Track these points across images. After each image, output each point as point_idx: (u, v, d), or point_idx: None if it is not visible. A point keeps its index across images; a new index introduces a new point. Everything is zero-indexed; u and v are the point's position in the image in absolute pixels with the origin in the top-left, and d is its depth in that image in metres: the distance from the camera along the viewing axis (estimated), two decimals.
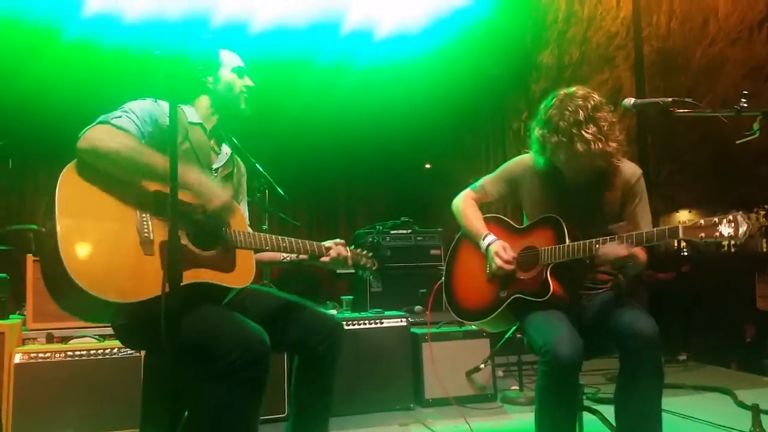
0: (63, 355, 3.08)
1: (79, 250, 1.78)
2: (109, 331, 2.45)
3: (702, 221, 2.00)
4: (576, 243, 2.25)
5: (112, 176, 1.91)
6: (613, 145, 2.27)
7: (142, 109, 2.04)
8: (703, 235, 1.99)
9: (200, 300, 1.94)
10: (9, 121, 4.32)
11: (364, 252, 2.46)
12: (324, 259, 2.28)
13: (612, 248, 2.15)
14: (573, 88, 2.37)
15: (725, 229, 1.95)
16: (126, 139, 1.93)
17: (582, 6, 6.49)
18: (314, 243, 2.27)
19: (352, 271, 2.48)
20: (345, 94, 5.76)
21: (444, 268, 2.74)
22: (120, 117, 1.98)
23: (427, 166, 7.06)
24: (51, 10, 4.94)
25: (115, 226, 1.87)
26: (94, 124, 1.95)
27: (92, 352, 3.12)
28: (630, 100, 2.25)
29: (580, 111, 2.27)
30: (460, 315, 2.59)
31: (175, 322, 1.76)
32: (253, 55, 5.05)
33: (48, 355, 3.06)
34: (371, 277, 2.56)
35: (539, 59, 6.44)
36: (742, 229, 1.93)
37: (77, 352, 3.10)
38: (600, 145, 2.25)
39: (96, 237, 1.82)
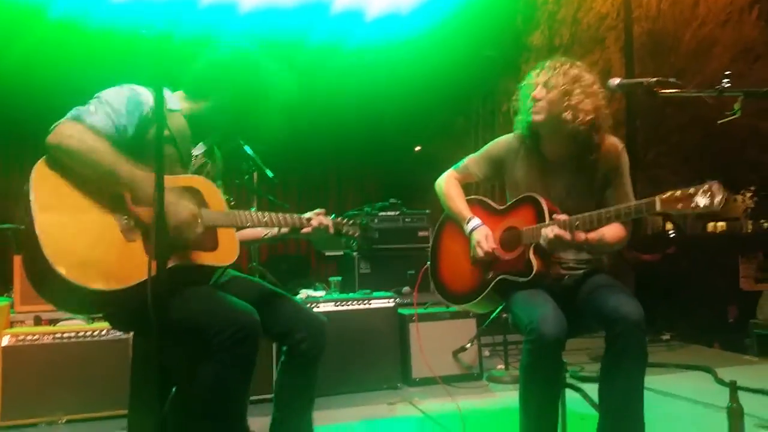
0: (51, 337, 3.09)
1: (60, 243, 1.77)
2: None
3: (678, 192, 2.00)
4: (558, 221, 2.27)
5: (82, 174, 1.89)
6: (588, 106, 2.28)
7: (118, 99, 2.00)
8: (680, 206, 2.01)
9: (188, 281, 1.95)
10: None
11: (346, 220, 2.42)
12: (305, 230, 2.25)
13: (545, 230, 2.21)
14: (567, 58, 2.39)
15: (701, 200, 1.97)
16: (93, 141, 1.88)
17: None
18: (294, 215, 2.26)
19: (341, 252, 2.49)
20: (335, 76, 5.73)
21: (430, 249, 2.75)
22: (94, 113, 1.94)
23: (417, 148, 7.05)
24: None
25: (95, 217, 1.87)
26: (66, 117, 1.92)
27: (80, 334, 3.13)
28: (615, 80, 2.26)
29: (570, 64, 2.32)
30: (447, 298, 2.62)
31: (164, 304, 1.76)
32: (242, 36, 5.02)
33: (36, 337, 3.07)
34: (355, 245, 2.55)
35: (530, 40, 6.41)
36: (718, 198, 1.94)
37: (65, 334, 3.11)
38: (571, 88, 2.28)
39: (76, 228, 1.82)
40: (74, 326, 3.18)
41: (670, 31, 6.56)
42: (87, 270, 1.78)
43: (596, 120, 2.31)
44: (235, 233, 2.13)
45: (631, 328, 2.13)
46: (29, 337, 3.06)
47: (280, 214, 2.23)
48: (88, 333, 3.15)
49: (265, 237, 2.36)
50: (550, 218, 2.29)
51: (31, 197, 1.79)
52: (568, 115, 2.30)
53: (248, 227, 2.20)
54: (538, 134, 2.45)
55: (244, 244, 2.47)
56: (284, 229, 2.28)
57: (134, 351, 2.24)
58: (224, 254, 2.06)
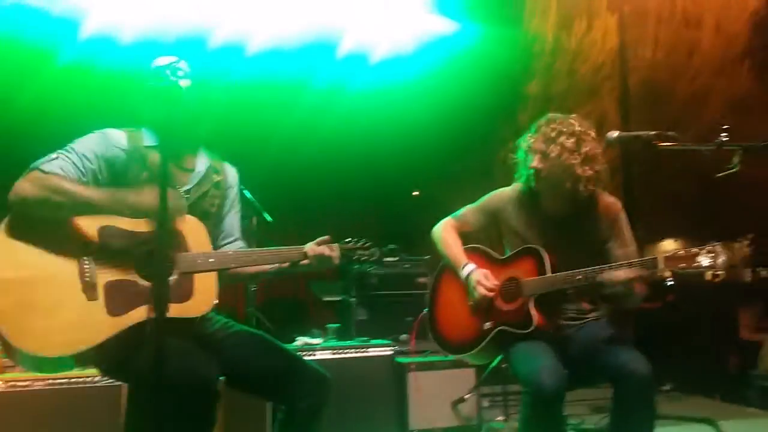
0: (43, 383, 3.03)
1: (18, 319, 1.80)
2: None
3: (682, 251, 2.04)
4: (559, 274, 2.28)
5: (48, 224, 1.89)
6: (589, 171, 2.32)
7: (85, 145, 2.00)
8: (683, 265, 2.03)
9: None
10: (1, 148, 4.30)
11: (359, 244, 2.24)
12: (304, 262, 2.13)
13: (617, 272, 2.16)
14: (562, 117, 2.42)
15: (705, 260, 2.00)
16: (55, 182, 1.89)
17: (569, 37, 6.60)
18: (291, 248, 2.14)
19: (339, 297, 2.45)
20: (338, 118, 5.80)
21: (428, 298, 2.73)
22: (54, 159, 1.95)
23: (416, 193, 7.08)
24: (47, 32, 4.95)
25: (55, 278, 1.86)
26: (25, 172, 1.92)
27: (73, 380, 3.07)
28: (614, 133, 2.31)
29: (567, 125, 2.36)
30: (444, 348, 2.60)
31: (131, 362, 1.84)
32: (250, 77, 5.12)
33: (28, 383, 3.01)
34: (371, 269, 2.44)
35: (526, 90, 6.52)
36: (721, 259, 1.98)
37: (58, 380, 3.05)
38: (572, 160, 2.31)
39: (34, 298, 1.83)
40: (66, 372, 3.12)
41: (665, 81, 6.69)
42: (45, 339, 1.80)
43: (596, 185, 2.35)
44: (214, 279, 2.02)
45: (641, 384, 2.13)
46: (21, 383, 3.01)
47: (272, 249, 2.14)
48: (80, 379, 3.09)
49: (269, 272, 2.25)
50: (552, 271, 2.30)
51: None
52: (568, 184, 2.34)
53: (234, 268, 2.11)
54: (537, 193, 2.47)
55: (247, 280, 2.41)
56: (282, 264, 2.18)
57: (128, 402, 2.20)
58: (198, 304, 1.97)
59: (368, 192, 6.29)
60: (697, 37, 6.80)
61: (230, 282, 2.24)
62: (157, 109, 2.01)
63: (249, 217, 3.88)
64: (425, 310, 2.71)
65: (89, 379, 3.10)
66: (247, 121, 5.22)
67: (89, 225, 1.94)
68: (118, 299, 1.90)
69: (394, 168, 6.22)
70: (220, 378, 2.05)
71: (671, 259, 2.07)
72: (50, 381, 3.06)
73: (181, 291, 1.95)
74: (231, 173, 2.36)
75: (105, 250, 1.92)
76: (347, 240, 2.23)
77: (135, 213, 1.94)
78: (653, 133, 2.21)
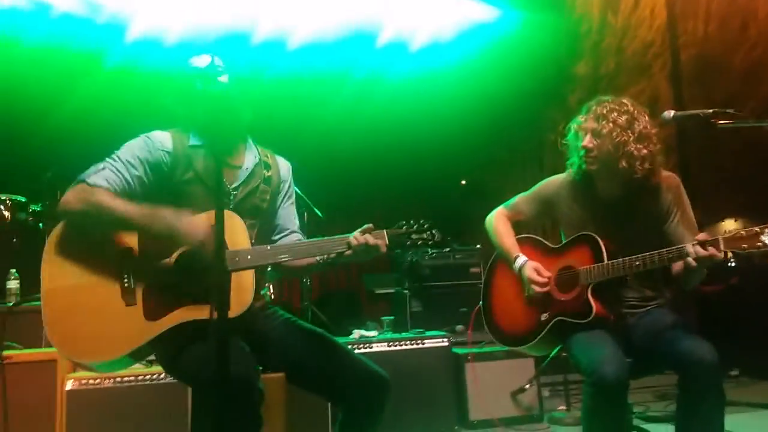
0: (112, 381, 3.13)
1: (62, 325, 1.92)
2: None
3: (743, 231, 1.97)
4: (616, 261, 2.22)
5: (91, 233, 1.96)
6: (643, 151, 2.25)
7: (128, 152, 2.04)
8: (745, 245, 1.97)
9: (197, 337, 1.90)
10: (54, 151, 4.45)
11: (414, 227, 2.06)
12: (348, 252, 2.01)
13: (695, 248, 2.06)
14: (613, 98, 2.36)
15: None
16: (97, 198, 1.94)
17: (616, 16, 6.43)
18: (335, 239, 2.03)
19: (392, 290, 2.40)
20: (380, 108, 5.80)
21: (482, 290, 2.69)
22: (101, 170, 2.00)
23: (463, 181, 7.03)
24: (94, 38, 5.11)
25: (97, 285, 1.94)
26: (73, 183, 1.99)
27: (140, 377, 3.17)
28: (670, 113, 2.23)
29: (618, 104, 2.29)
30: (501, 340, 2.57)
31: (167, 364, 1.95)
32: (292, 71, 5.15)
33: (98, 381, 3.11)
34: (430, 251, 2.29)
35: (574, 70, 6.39)
36: None
37: (126, 378, 3.15)
38: (624, 137, 2.24)
39: (77, 303, 1.93)
40: (134, 370, 3.22)
41: (718, 55, 6.43)
42: (85, 347, 1.93)
43: (652, 164, 2.27)
44: (250, 274, 1.98)
45: (708, 372, 2.06)
46: (91, 381, 3.11)
47: (314, 240, 2.09)
48: (147, 377, 3.18)
49: (317, 264, 2.18)
50: (609, 257, 2.24)
51: (41, 274, 1.94)
52: (623, 163, 2.28)
53: (272, 264, 2.07)
54: (591, 177, 2.41)
55: (298, 272, 2.41)
56: (325, 256, 2.10)
57: (192, 396, 2.26)
58: (235, 303, 1.92)
59: (416, 182, 6.28)
60: (752, 7, 6.51)
61: (282, 276, 2.23)
62: (199, 109, 2.05)
63: (300, 214, 3.92)
64: (480, 303, 2.67)
65: (157, 375, 3.18)
66: (291, 116, 5.28)
67: (127, 237, 2.00)
68: (155, 304, 1.95)
69: (441, 156, 6.19)
70: (280, 374, 2.08)
71: (732, 239, 1.99)
72: (119, 379, 3.15)
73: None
74: (284, 167, 2.35)
75: (144, 256, 1.97)
76: (401, 224, 2.08)
77: (169, 234, 1.94)
78: (710, 111, 2.13)
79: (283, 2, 5.45)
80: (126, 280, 1.95)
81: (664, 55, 6.30)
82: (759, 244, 1.94)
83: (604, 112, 2.30)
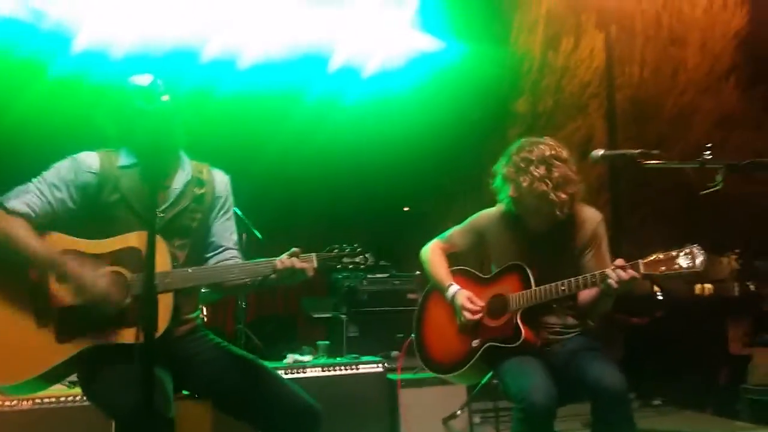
0: (31, 402, 2.99)
1: None
2: None
3: (661, 255, 2.09)
4: (543, 287, 2.32)
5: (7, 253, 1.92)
6: (562, 196, 2.35)
7: (55, 174, 2.03)
8: (663, 268, 2.08)
9: (115, 360, 1.88)
10: None
11: (346, 250, 2.08)
12: (272, 276, 2.02)
13: (615, 273, 2.16)
14: (543, 138, 2.46)
15: (684, 261, 2.05)
16: (10, 227, 1.92)
17: (556, 55, 6.68)
18: (260, 262, 2.03)
19: (329, 315, 2.40)
20: (330, 131, 5.83)
21: (414, 322, 2.73)
22: (25, 193, 1.98)
23: (406, 208, 7.11)
24: (40, 47, 4.96)
25: (8, 304, 1.90)
26: None
27: (61, 399, 3.03)
28: (599, 152, 2.35)
29: (536, 152, 2.38)
30: (433, 369, 2.61)
31: (85, 386, 1.93)
32: (242, 90, 5.10)
33: (15, 402, 2.97)
34: (362, 274, 2.29)
35: (515, 106, 6.59)
36: (699, 259, 2.04)
37: (45, 399, 3.01)
38: (543, 188, 2.33)
39: None
40: (55, 391, 3.08)
41: (652, 98, 6.78)
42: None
43: (572, 203, 2.38)
44: (169, 298, 1.95)
45: (615, 400, 2.15)
46: (8, 403, 2.96)
47: (240, 263, 2.10)
48: (69, 398, 3.05)
49: (247, 284, 2.16)
50: (536, 285, 2.32)
51: None
52: (545, 209, 2.39)
53: (194, 286, 2.06)
54: (519, 212, 2.51)
55: (228, 292, 2.36)
56: (246, 279, 2.08)
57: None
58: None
59: (359, 207, 6.32)
60: (683, 56, 6.92)
61: (216, 298, 2.18)
62: (136, 127, 2.01)
63: (239, 234, 3.88)
64: (413, 335, 2.70)
65: (80, 397, 3.05)
66: (237, 136, 5.24)
67: (50, 250, 1.95)
68: (69, 325, 1.91)
69: (385, 183, 6.25)
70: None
71: (651, 263, 2.11)
72: (38, 400, 3.01)
73: (136, 314, 1.91)
74: (220, 181, 2.28)
75: (62, 275, 1.92)
76: (333, 247, 2.10)
77: (72, 283, 1.91)
78: (638, 151, 2.25)
79: (234, 21, 5.43)
80: (40, 301, 1.91)
81: (600, 95, 6.59)
82: (676, 266, 2.06)
83: (523, 165, 2.39)
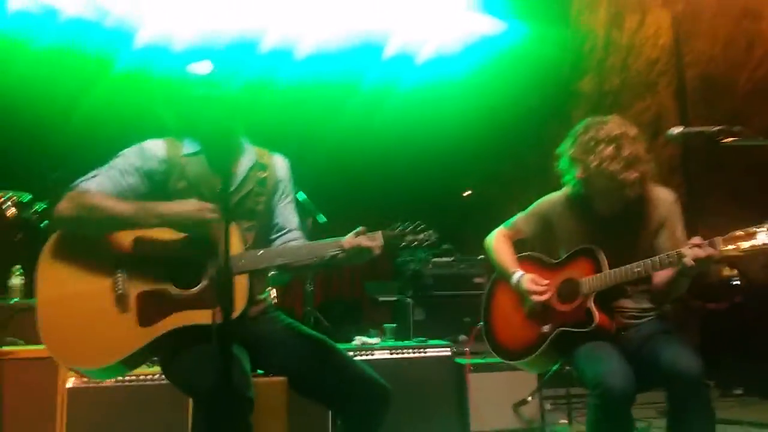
0: (114, 380, 3.11)
1: (55, 333, 1.94)
2: None
3: (740, 231, 1.98)
4: (617, 269, 2.24)
5: (87, 241, 1.98)
6: (633, 175, 2.26)
7: (124, 160, 2.06)
8: (742, 245, 1.98)
9: (194, 341, 1.91)
10: (63, 152, 4.46)
11: (409, 228, 2.05)
12: (341, 255, 2.01)
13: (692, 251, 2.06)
14: (610, 116, 2.37)
15: (765, 237, 1.94)
16: (89, 200, 1.96)
17: (621, 33, 6.47)
18: (328, 242, 2.02)
19: (395, 297, 2.38)
20: (387, 119, 5.84)
21: (482, 310, 2.69)
22: (93, 177, 2.02)
23: (466, 193, 7.05)
24: (105, 44, 5.13)
25: (91, 292, 1.96)
26: (66, 191, 2.00)
27: (142, 377, 3.14)
28: (676, 129, 2.25)
29: (604, 131, 2.29)
30: (503, 356, 2.57)
31: (165, 367, 1.99)
32: (299, 80, 5.16)
33: (97, 380, 3.09)
34: (426, 256, 2.28)
35: (579, 86, 6.42)
36: None
37: (128, 377, 3.13)
38: (613, 167, 2.24)
39: (71, 310, 1.95)
40: (138, 369, 3.19)
41: (723, 74, 6.48)
42: (78, 353, 1.95)
43: (643, 182, 2.29)
44: (244, 279, 1.97)
45: (690, 385, 2.06)
46: (93, 380, 3.09)
47: (307, 243, 2.12)
48: (149, 376, 3.15)
49: (312, 265, 2.15)
50: (608, 268, 2.26)
51: (35, 282, 1.97)
52: (615, 189, 2.30)
53: (266, 267, 2.07)
54: (587, 195, 2.43)
55: (294, 272, 2.38)
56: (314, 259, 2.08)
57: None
58: None
59: (420, 192, 6.30)
60: (757, 29, 6.57)
61: (286, 280, 2.18)
62: (198, 115, 2.04)
63: (304, 219, 3.92)
64: (481, 323, 2.66)
65: (159, 375, 3.15)
66: (298, 124, 5.30)
67: (125, 238, 2.00)
68: (149, 310, 1.96)
69: (446, 168, 6.21)
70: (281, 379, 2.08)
71: (730, 239, 2.01)
72: (119, 378, 3.12)
73: (208, 298, 1.95)
74: (281, 165, 2.31)
75: (138, 261, 1.97)
76: (395, 225, 2.07)
77: (163, 222, 1.97)
78: (716, 128, 2.15)
79: (291, 12, 5.48)
80: (119, 288, 1.95)
81: (668, 73, 6.35)
82: (756, 242, 1.96)
83: (591, 144, 2.30)
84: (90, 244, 1.99)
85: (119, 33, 5.20)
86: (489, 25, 6.09)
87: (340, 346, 2.21)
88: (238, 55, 5.27)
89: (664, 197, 2.38)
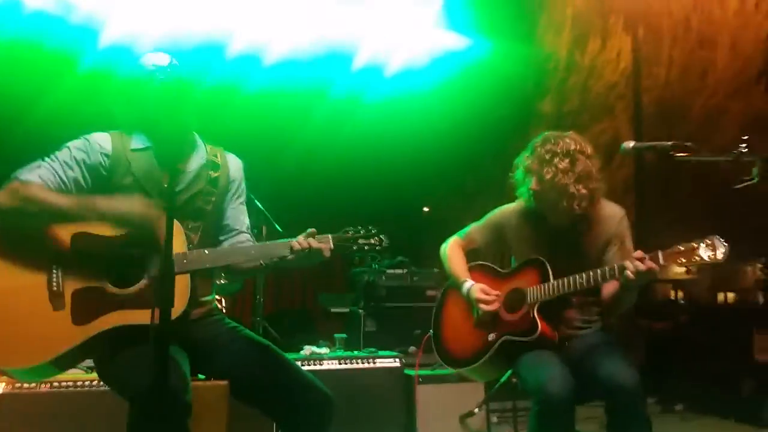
0: (48, 386, 3.00)
1: None
2: None
3: (681, 246, 2.03)
4: (561, 279, 2.28)
5: (24, 234, 1.90)
6: (582, 190, 2.31)
7: (67, 152, 2.00)
8: (683, 259, 2.03)
9: (131, 342, 1.86)
10: (23, 151, 4.33)
11: (362, 232, 2.07)
12: (290, 257, 2.00)
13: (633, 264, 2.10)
14: (557, 135, 2.43)
15: (705, 252, 1.99)
16: (28, 192, 1.90)
17: (583, 55, 6.61)
18: (277, 242, 2.02)
19: (346, 309, 2.38)
20: (353, 129, 5.83)
21: (433, 318, 2.72)
22: (36, 168, 1.95)
23: (426, 209, 7.08)
24: (68, 40, 5.00)
25: (25, 288, 1.88)
26: (6, 182, 1.94)
27: (79, 383, 3.04)
28: (630, 143, 2.30)
29: (561, 145, 2.36)
30: (450, 363, 2.60)
31: (100, 368, 1.92)
32: (267, 86, 5.12)
33: (33, 385, 2.99)
34: (376, 257, 2.29)
35: (540, 106, 6.53)
36: (720, 250, 1.97)
37: (63, 383, 3.02)
38: (565, 180, 2.29)
39: (2, 306, 1.85)
40: (72, 375, 3.09)
41: (679, 100, 6.67)
42: (10, 352, 1.84)
43: (592, 199, 2.35)
44: (186, 280, 1.92)
45: (628, 397, 2.09)
46: (26, 385, 2.98)
47: (256, 244, 2.09)
48: (86, 383, 3.06)
49: (262, 266, 2.14)
50: (554, 278, 2.29)
51: None
52: (564, 203, 2.36)
53: (210, 267, 2.02)
54: (539, 206, 2.48)
55: (241, 275, 2.34)
56: (262, 261, 2.07)
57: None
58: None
59: (380, 204, 6.30)
60: (712, 57, 6.79)
61: (230, 285, 2.14)
62: (149, 108, 1.99)
63: (259, 226, 3.88)
64: (431, 331, 2.69)
65: (96, 382, 3.06)
66: (262, 131, 5.25)
67: (63, 233, 1.93)
68: (84, 308, 1.89)
69: (407, 181, 6.23)
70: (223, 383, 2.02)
71: (671, 254, 2.05)
72: (56, 384, 3.02)
73: (149, 296, 1.90)
74: (234, 165, 2.26)
75: (76, 258, 1.91)
76: (347, 229, 2.09)
77: (102, 218, 1.93)
78: (670, 143, 2.20)
79: (260, 17, 5.45)
80: (54, 284, 1.88)
81: (627, 97, 6.50)
82: (696, 257, 2.00)
83: (547, 157, 2.36)
84: (27, 238, 1.91)
85: (84, 30, 5.08)
86: (454, 41, 6.16)
87: (289, 355, 2.17)
88: (204, 57, 5.21)
89: (612, 213, 2.44)
